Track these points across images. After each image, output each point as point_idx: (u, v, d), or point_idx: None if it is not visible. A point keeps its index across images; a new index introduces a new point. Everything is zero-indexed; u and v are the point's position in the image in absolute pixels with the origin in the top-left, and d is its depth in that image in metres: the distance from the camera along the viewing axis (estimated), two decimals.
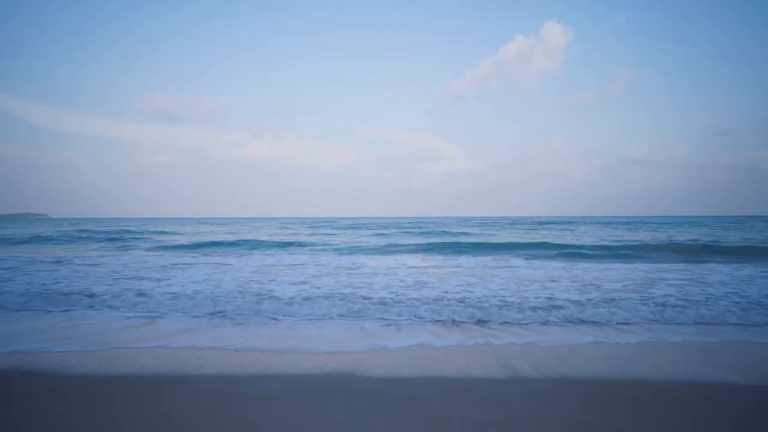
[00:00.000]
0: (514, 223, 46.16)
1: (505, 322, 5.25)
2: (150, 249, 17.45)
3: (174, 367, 3.64)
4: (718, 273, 9.15)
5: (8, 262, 11.26)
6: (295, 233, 27.69)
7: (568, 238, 21.47)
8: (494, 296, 6.74)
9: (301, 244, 18.76)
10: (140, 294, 6.66)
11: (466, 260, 12.37)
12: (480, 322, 5.28)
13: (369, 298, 6.52)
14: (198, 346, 4.26)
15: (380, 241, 20.19)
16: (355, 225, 40.33)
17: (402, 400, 2.96)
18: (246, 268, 10.39)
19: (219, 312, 5.76)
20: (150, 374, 3.48)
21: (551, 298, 6.53)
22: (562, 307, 5.82)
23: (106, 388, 3.19)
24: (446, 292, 7.10)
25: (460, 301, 6.28)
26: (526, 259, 12.63)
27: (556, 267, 10.69)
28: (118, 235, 24.69)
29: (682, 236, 22.16)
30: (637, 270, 9.86)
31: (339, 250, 16.00)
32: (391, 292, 6.99)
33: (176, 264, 11.24)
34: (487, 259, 12.45)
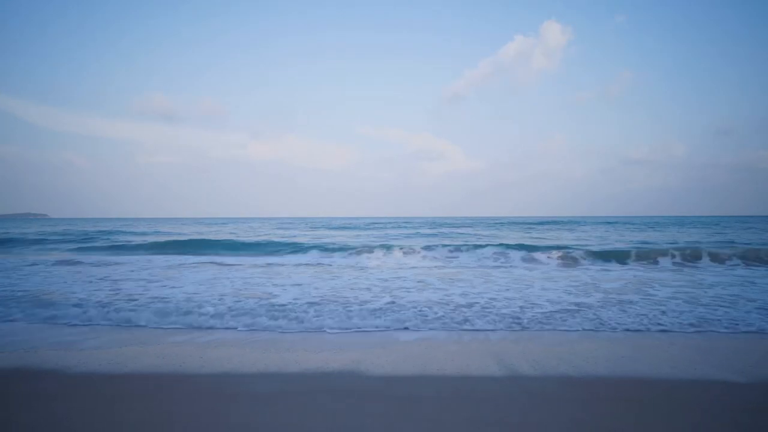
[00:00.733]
0: (531, 222, 45.29)
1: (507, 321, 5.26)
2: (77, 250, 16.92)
3: (174, 367, 3.64)
4: None
5: None
6: (263, 234, 27.13)
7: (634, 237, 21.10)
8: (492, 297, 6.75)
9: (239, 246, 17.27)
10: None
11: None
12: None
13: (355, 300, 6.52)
14: (198, 346, 4.26)
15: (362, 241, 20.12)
16: (347, 225, 40.03)
17: (402, 400, 2.96)
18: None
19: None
20: (150, 374, 3.48)
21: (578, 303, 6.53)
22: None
23: (106, 387, 3.20)
24: (449, 294, 7.11)
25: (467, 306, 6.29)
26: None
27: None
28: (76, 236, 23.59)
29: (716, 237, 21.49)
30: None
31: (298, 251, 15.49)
32: (375, 296, 6.95)
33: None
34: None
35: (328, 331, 4.89)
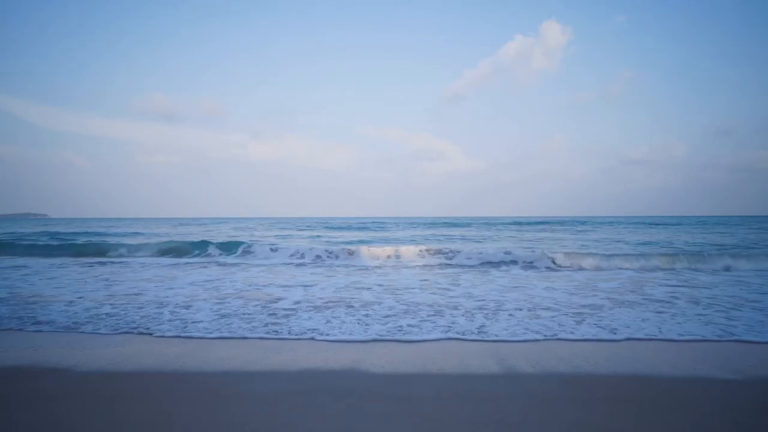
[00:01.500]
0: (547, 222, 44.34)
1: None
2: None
3: (174, 367, 3.64)
4: None
5: None
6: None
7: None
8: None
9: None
10: None
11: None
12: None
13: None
14: (198, 345, 4.26)
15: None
16: (331, 225, 39.55)
17: (402, 399, 2.96)
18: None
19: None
20: (150, 374, 3.48)
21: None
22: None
23: (105, 387, 3.20)
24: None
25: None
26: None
27: None
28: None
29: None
30: None
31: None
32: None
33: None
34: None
35: (329, 330, 4.89)
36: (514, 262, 11.96)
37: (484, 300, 6.68)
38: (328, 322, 5.24)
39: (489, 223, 45.29)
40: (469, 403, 2.91)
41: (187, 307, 6.08)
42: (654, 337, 4.62)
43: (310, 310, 5.89)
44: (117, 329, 4.91)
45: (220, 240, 17.09)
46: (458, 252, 13.11)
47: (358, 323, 5.19)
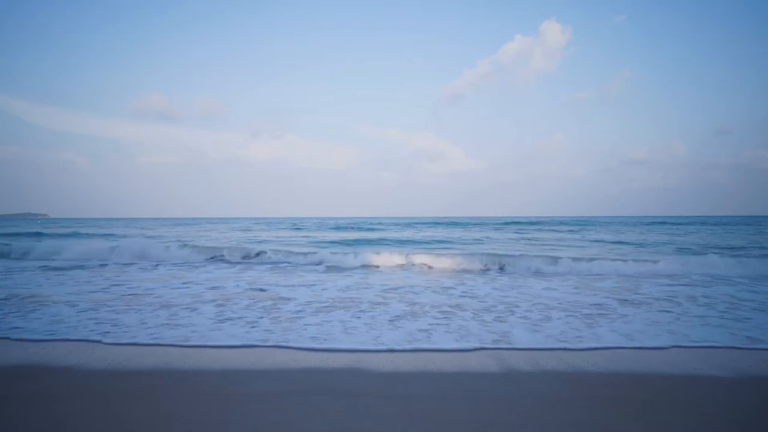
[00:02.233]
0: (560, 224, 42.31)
1: None
2: None
3: (174, 367, 3.63)
4: None
5: None
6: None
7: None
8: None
9: None
10: None
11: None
12: None
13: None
14: (198, 345, 4.26)
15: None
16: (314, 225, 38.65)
17: (402, 399, 2.96)
18: None
19: None
20: (150, 373, 3.48)
21: None
22: None
23: (105, 386, 3.19)
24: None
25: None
26: None
27: None
28: None
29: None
30: None
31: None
32: None
33: None
34: None
35: (329, 330, 4.88)
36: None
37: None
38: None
39: (483, 223, 44.93)
40: (469, 403, 2.91)
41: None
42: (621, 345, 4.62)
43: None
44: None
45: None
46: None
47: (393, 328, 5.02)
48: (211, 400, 2.93)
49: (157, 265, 11.38)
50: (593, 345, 4.28)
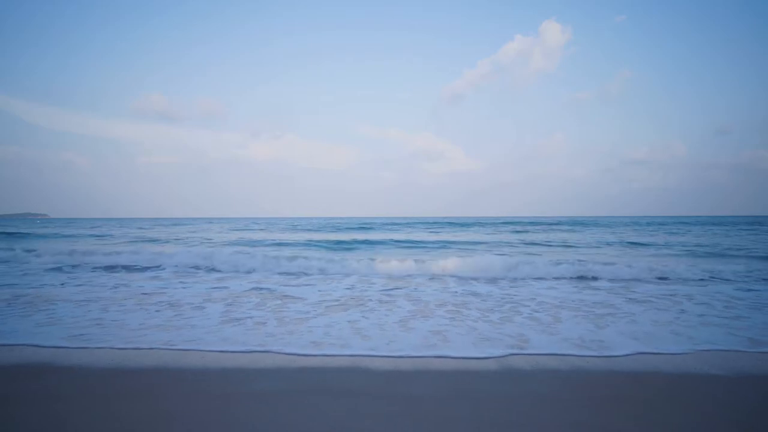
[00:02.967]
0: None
1: None
2: None
3: (175, 366, 3.63)
4: None
5: None
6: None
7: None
8: None
9: None
10: None
11: None
12: None
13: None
14: (199, 346, 4.26)
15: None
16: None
17: (402, 399, 2.96)
18: None
19: None
20: (150, 373, 3.48)
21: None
22: None
23: (105, 386, 3.20)
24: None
25: None
26: None
27: None
28: None
29: None
30: None
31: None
32: None
33: None
34: None
35: (329, 331, 4.88)
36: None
37: None
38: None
39: (482, 223, 43.13)
40: (469, 402, 2.91)
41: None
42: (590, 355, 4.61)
43: None
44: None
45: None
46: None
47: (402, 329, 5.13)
48: (211, 400, 2.93)
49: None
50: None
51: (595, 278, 9.13)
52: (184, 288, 7.78)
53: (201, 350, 4.09)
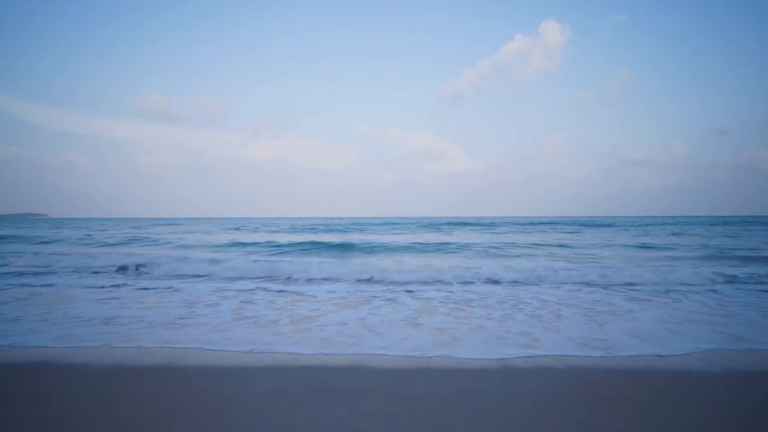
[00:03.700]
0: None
1: None
2: None
3: (175, 366, 3.63)
4: None
5: None
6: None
7: None
8: None
9: None
10: None
11: None
12: None
13: None
14: (200, 346, 4.26)
15: None
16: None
17: (403, 398, 2.96)
18: None
19: None
20: (151, 373, 3.48)
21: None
22: None
23: (105, 385, 3.20)
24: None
25: None
26: None
27: None
28: None
29: None
30: None
31: None
32: None
33: None
34: None
35: (329, 330, 4.88)
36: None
37: None
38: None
39: (481, 223, 41.70)
40: (470, 402, 2.91)
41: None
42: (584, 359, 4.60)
43: None
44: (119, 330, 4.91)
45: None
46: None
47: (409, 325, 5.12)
48: (212, 400, 2.93)
49: None
50: None
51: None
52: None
53: (204, 349, 4.10)
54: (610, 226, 35.42)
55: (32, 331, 4.73)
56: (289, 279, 9.03)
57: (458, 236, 23.98)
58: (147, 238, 22.20)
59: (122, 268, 10.33)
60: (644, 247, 17.01)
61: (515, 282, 8.51)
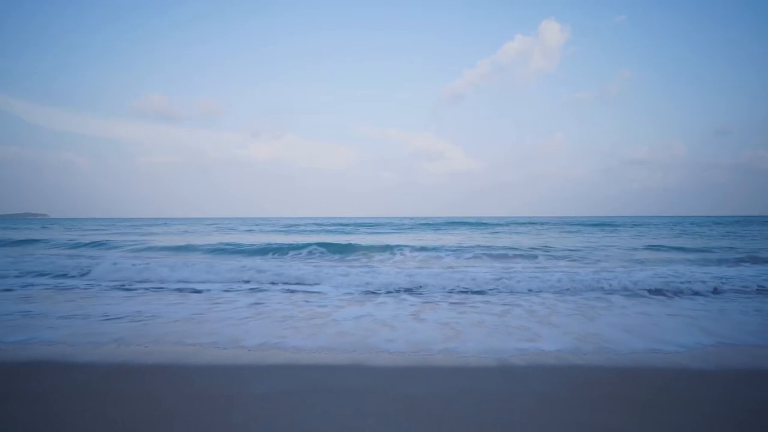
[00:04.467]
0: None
1: None
2: None
3: (176, 366, 3.63)
4: None
5: None
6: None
7: None
8: None
9: None
10: None
11: None
12: None
13: None
14: (200, 345, 4.26)
15: None
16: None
17: (403, 398, 2.96)
18: None
19: None
20: (151, 372, 3.48)
21: None
22: None
23: (105, 385, 3.19)
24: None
25: None
26: None
27: None
28: None
29: None
30: None
31: None
32: None
33: None
34: None
35: (328, 330, 4.87)
36: None
37: None
38: None
39: (479, 223, 39.32)
40: (470, 401, 2.91)
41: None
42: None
43: None
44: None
45: None
46: None
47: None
48: (213, 399, 2.93)
49: None
50: None
51: None
52: None
53: (205, 349, 4.09)
54: (610, 224, 34.50)
55: None
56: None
57: (459, 236, 23.63)
58: (111, 241, 19.56)
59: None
60: (679, 249, 14.96)
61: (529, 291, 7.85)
